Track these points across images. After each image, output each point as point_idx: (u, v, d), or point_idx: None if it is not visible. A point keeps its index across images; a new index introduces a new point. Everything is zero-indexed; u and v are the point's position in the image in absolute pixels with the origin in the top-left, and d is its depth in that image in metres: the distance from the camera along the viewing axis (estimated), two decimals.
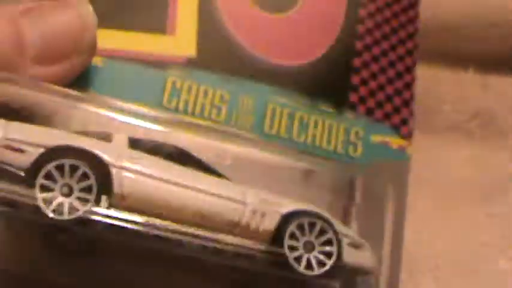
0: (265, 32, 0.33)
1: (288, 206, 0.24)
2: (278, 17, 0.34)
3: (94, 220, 0.22)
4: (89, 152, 0.22)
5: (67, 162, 0.22)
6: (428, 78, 0.41)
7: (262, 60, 0.31)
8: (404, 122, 0.32)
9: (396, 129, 0.32)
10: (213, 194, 0.23)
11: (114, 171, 0.22)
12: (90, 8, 0.28)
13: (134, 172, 0.23)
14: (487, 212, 0.34)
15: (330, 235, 0.23)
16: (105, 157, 0.22)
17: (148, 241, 0.22)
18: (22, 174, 0.22)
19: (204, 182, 0.24)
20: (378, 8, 0.35)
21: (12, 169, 0.22)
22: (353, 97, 0.32)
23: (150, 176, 0.23)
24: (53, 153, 0.22)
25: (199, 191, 0.23)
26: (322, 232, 0.23)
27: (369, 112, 0.32)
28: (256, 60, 0.31)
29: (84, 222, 0.22)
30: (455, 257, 0.30)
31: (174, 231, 0.22)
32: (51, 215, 0.21)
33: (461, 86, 0.41)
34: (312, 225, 0.23)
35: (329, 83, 0.32)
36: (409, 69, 0.35)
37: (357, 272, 0.24)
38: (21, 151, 0.22)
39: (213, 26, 0.32)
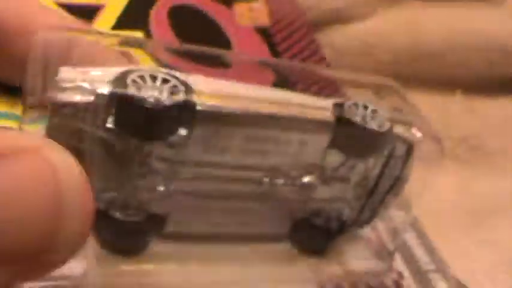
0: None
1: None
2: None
3: (194, 103, 0.22)
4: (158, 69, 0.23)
5: (146, 72, 0.22)
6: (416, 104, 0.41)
7: None
8: None
9: None
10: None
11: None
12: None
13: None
14: (476, 239, 0.33)
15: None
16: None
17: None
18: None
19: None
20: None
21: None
22: None
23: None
24: (129, 70, 0.22)
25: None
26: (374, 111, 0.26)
27: None
28: None
29: (185, 106, 0.22)
30: None
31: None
32: (150, 104, 0.21)
33: (449, 111, 0.41)
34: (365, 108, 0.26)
35: None
36: None
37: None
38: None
39: None
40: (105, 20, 0.39)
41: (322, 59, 0.43)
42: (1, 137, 0.14)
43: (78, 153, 0.19)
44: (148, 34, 0.39)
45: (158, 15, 0.41)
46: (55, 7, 0.38)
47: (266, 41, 0.43)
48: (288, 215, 0.28)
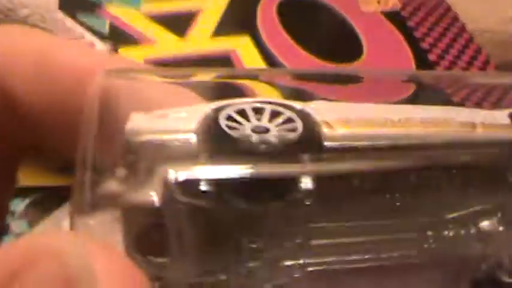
0: None
1: None
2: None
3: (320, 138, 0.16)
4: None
5: (247, 106, 0.17)
6: None
7: None
8: None
9: None
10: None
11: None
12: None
13: None
14: None
15: None
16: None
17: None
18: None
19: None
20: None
21: None
22: None
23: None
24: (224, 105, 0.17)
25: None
26: None
27: None
28: None
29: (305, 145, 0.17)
30: None
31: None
32: (261, 146, 0.16)
33: None
34: None
35: None
36: None
37: None
38: None
39: None
40: (202, 26, 0.34)
41: (474, 48, 0.34)
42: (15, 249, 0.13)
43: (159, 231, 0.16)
44: (255, 35, 0.33)
45: (265, 14, 0.35)
46: (148, 21, 0.33)
47: (399, 27, 0.36)
48: (463, 276, 0.21)
